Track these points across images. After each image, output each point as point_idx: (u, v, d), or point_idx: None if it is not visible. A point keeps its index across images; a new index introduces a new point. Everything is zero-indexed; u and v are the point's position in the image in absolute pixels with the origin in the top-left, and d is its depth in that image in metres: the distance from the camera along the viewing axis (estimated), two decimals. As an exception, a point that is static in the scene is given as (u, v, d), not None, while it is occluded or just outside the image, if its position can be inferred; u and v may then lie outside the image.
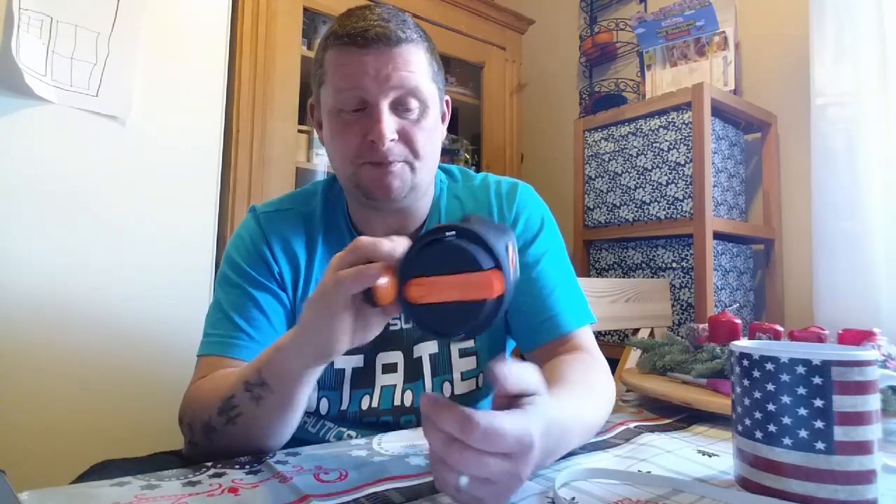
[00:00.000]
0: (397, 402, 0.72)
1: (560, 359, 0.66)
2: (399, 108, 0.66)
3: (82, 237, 1.20)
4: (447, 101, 0.76)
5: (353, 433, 0.71)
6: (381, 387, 0.72)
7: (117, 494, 0.44)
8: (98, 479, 0.48)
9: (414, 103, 0.66)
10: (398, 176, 0.67)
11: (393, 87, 0.64)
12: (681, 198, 1.62)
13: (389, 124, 0.64)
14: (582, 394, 0.57)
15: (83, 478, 0.54)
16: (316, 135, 0.76)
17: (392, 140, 0.65)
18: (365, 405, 0.71)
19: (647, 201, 1.71)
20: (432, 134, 0.69)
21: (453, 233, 0.42)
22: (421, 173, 0.69)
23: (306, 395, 0.54)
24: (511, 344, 0.80)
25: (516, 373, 0.40)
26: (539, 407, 0.41)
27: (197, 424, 0.59)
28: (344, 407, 0.71)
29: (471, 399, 0.75)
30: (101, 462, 0.59)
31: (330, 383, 0.71)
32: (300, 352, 0.50)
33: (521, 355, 0.78)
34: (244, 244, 0.73)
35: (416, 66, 0.66)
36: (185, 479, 0.48)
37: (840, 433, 0.41)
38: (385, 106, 0.64)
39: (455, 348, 0.74)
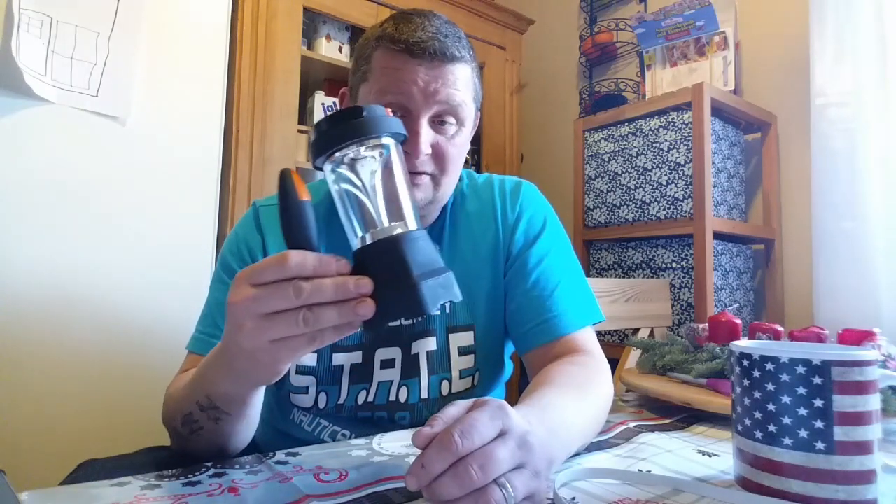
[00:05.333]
0: (392, 397, 0.72)
1: (551, 365, 0.64)
2: (436, 122, 0.67)
3: (82, 237, 1.20)
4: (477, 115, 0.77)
5: (346, 433, 0.71)
6: (378, 382, 0.72)
7: (117, 494, 0.44)
8: (84, 478, 0.48)
9: (452, 120, 0.68)
10: (422, 188, 0.68)
11: (438, 102, 0.65)
12: (681, 198, 1.62)
13: (427, 139, 0.65)
14: (570, 399, 0.55)
15: (70, 478, 0.54)
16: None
17: (426, 154, 0.66)
18: (361, 399, 0.72)
19: (647, 201, 1.71)
20: (462, 150, 0.70)
21: None
22: (444, 188, 0.70)
23: (260, 404, 0.56)
24: (510, 347, 0.80)
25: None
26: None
27: (169, 426, 0.60)
28: (341, 401, 0.72)
29: (466, 397, 0.74)
30: (87, 461, 0.59)
31: (329, 378, 0.72)
32: (243, 380, 0.49)
33: (518, 358, 0.77)
34: (236, 241, 0.74)
35: (463, 85, 0.67)
36: (185, 479, 0.48)
37: (840, 433, 0.41)
38: (426, 120, 0.65)
39: (455, 346, 0.74)
